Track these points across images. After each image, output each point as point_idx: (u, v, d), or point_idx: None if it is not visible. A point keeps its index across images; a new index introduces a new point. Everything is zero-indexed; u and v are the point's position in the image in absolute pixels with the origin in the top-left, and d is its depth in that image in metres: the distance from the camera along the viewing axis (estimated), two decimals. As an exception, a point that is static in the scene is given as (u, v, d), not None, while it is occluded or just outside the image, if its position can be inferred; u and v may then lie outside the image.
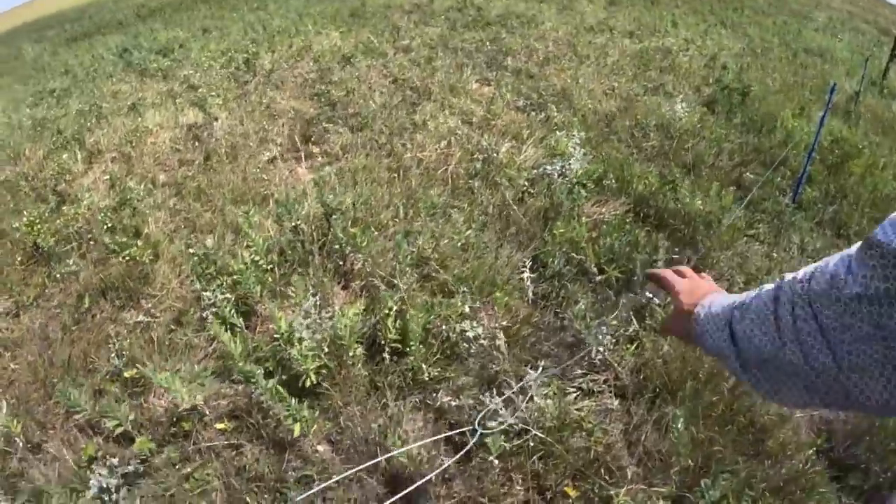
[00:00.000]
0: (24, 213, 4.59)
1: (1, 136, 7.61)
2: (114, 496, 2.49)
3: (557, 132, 4.91)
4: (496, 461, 2.41)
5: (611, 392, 2.76)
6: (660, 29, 9.46)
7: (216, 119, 6.07)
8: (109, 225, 4.25)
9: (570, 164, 4.22)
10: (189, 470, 2.66)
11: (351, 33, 9.15)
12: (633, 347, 2.88)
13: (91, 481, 2.54)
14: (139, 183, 4.85)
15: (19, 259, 4.42)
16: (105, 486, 2.55)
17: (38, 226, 4.37)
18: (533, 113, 5.64)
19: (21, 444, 2.87)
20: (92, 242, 4.28)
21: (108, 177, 5.25)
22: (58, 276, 4.05)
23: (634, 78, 6.61)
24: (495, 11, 10.01)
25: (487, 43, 7.98)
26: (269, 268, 3.42)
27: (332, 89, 6.44)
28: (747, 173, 4.77)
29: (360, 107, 5.85)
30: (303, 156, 5.13)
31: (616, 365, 2.82)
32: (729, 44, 9.52)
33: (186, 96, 7.15)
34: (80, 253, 4.21)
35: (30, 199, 5.26)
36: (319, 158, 5.11)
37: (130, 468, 2.67)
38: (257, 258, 3.38)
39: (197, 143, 5.68)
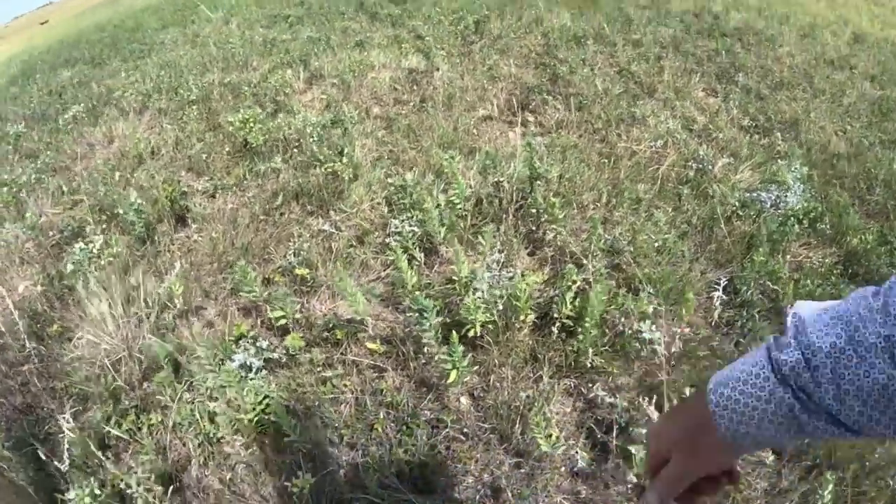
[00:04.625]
0: (241, 111, 5.16)
1: (233, 47, 8.62)
2: (251, 374, 2.72)
3: (779, 160, 4.67)
4: (633, 477, 2.34)
5: (769, 445, 2.56)
6: (907, 77, 8.69)
7: (437, 69, 6.42)
8: (318, 138, 4.62)
9: (786, 195, 4.00)
10: (329, 374, 2.85)
11: (582, 17, 9.26)
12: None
13: (236, 354, 2.83)
14: (354, 109, 5.24)
15: (227, 150, 5.00)
16: (247, 362, 2.83)
17: (252, 124, 4.90)
18: (756, 136, 5.44)
19: (179, 303, 3.24)
20: (297, 150, 4.71)
21: (325, 97, 5.73)
22: (260, 170, 4.52)
23: (870, 125, 6.11)
24: (733, 23, 9.67)
25: (722, 53, 7.76)
26: (463, 214, 3.56)
27: (556, 63, 6.56)
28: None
29: (580, 88, 5.91)
30: (518, 121, 5.26)
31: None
32: None
33: (412, 43, 7.62)
34: (284, 157, 4.65)
35: (249, 101, 5.91)
36: (533, 128, 5.24)
37: (275, 355, 2.94)
38: (455, 200, 3.53)
39: (415, 87, 6.08)
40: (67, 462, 2.33)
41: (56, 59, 13.25)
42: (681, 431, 0.81)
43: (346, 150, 4.26)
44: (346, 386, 2.84)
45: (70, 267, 3.57)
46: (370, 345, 3.01)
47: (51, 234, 4.29)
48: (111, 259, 3.62)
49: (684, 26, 9.23)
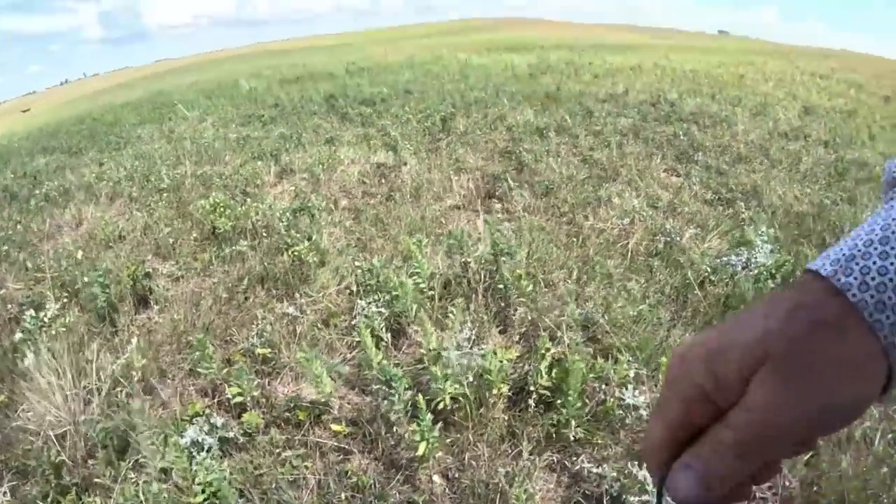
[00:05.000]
0: (210, 198, 5.22)
1: (207, 142, 8.81)
2: (203, 454, 2.60)
3: (745, 227, 4.87)
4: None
5: (776, 501, 2.49)
6: (856, 140, 9.27)
7: (405, 163, 6.59)
8: (286, 223, 4.67)
9: (756, 256, 4.15)
10: (289, 453, 2.74)
11: (545, 112, 9.74)
12: (807, 456, 2.60)
13: (188, 430, 2.71)
14: (322, 200, 5.32)
15: (195, 236, 5.00)
16: (199, 440, 2.70)
17: (220, 210, 4.94)
18: (721, 207, 5.70)
19: (136, 378, 3.14)
20: (265, 236, 4.73)
21: (293, 187, 5.82)
22: (225, 255, 4.52)
23: (829, 186, 6.48)
24: (688, 108, 10.40)
25: (680, 135, 8.22)
26: (430, 294, 3.56)
27: (522, 152, 6.84)
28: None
29: (546, 175, 6.14)
30: (483, 209, 5.38)
31: (787, 472, 2.56)
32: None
33: (381, 140, 7.86)
34: (251, 244, 4.66)
35: (219, 191, 5.97)
36: (500, 214, 5.34)
37: (231, 434, 2.83)
38: (421, 282, 3.54)
39: (383, 180, 6.23)
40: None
41: (34, 146, 13.45)
42: (773, 338, 0.41)
43: (313, 237, 4.29)
44: (307, 468, 2.72)
45: (19, 335, 3.46)
46: (335, 426, 2.91)
47: (9, 307, 4.21)
48: (63, 329, 3.52)
49: (642, 115, 9.84)
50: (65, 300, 4.08)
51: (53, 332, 3.52)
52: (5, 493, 2.19)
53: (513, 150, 7.11)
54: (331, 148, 7.56)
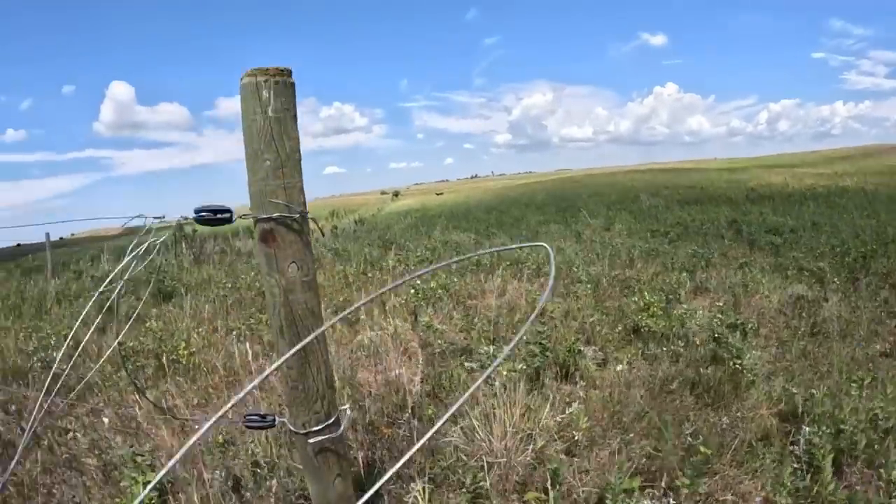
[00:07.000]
0: (645, 296, 5.83)
1: (616, 251, 9.69)
2: None
3: None
4: None
5: None
6: None
7: (826, 299, 6.51)
8: (718, 333, 5.04)
9: None
10: None
11: None
12: None
13: None
14: (745, 322, 5.58)
15: (619, 328, 5.60)
16: None
17: (652, 311, 5.52)
18: None
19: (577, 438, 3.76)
20: (696, 343, 5.17)
21: (718, 304, 6.23)
22: (652, 354, 5.13)
23: None
24: None
25: None
26: (881, 435, 3.59)
27: None
28: None
29: None
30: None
31: None
32: None
33: (797, 271, 7.85)
34: (681, 346, 5.11)
35: (642, 294, 6.59)
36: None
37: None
38: (879, 416, 3.59)
39: (803, 313, 6.18)
40: None
41: (447, 224, 16.13)
42: None
43: (746, 354, 4.57)
44: None
45: (470, 365, 4.18)
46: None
47: (438, 341, 5.13)
48: (513, 373, 4.31)
49: None
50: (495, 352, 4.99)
51: (505, 373, 4.33)
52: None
53: None
54: (745, 272, 7.77)
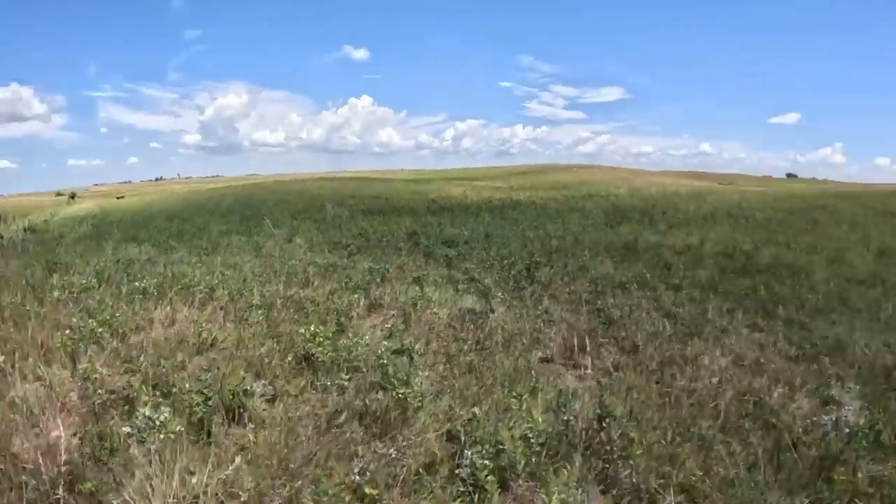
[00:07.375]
0: (310, 326, 5.46)
1: (294, 268, 9.27)
2: None
3: (831, 384, 5.01)
4: None
5: None
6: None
7: (493, 310, 6.79)
8: (385, 361, 4.86)
9: (845, 416, 4.25)
10: None
11: (623, 264, 10.12)
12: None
13: None
14: (415, 341, 5.53)
15: (290, 358, 5.20)
16: None
17: (320, 340, 5.17)
18: (805, 363, 5.77)
19: (242, 499, 3.27)
20: (363, 370, 4.92)
21: (388, 324, 6.09)
22: (322, 384, 4.69)
23: None
24: (764, 260, 10.47)
25: (760, 288, 8.43)
26: (536, 450, 3.64)
27: (609, 308, 7.16)
28: None
29: (631, 331, 6.40)
30: (575, 364, 5.55)
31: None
32: None
33: (467, 284, 8.19)
34: (348, 377, 4.83)
35: (315, 317, 6.25)
36: (589, 370, 5.45)
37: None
38: (530, 436, 3.63)
39: (471, 326, 6.38)
40: None
41: (125, 234, 14.36)
42: None
43: (412, 380, 4.44)
44: None
45: (126, 429, 3.65)
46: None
47: (98, 391, 4.37)
48: (172, 434, 3.65)
49: (719, 268, 10.01)
50: (158, 399, 4.26)
51: (161, 437, 3.67)
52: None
53: (595, 302, 7.43)
54: (418, 288, 7.87)
